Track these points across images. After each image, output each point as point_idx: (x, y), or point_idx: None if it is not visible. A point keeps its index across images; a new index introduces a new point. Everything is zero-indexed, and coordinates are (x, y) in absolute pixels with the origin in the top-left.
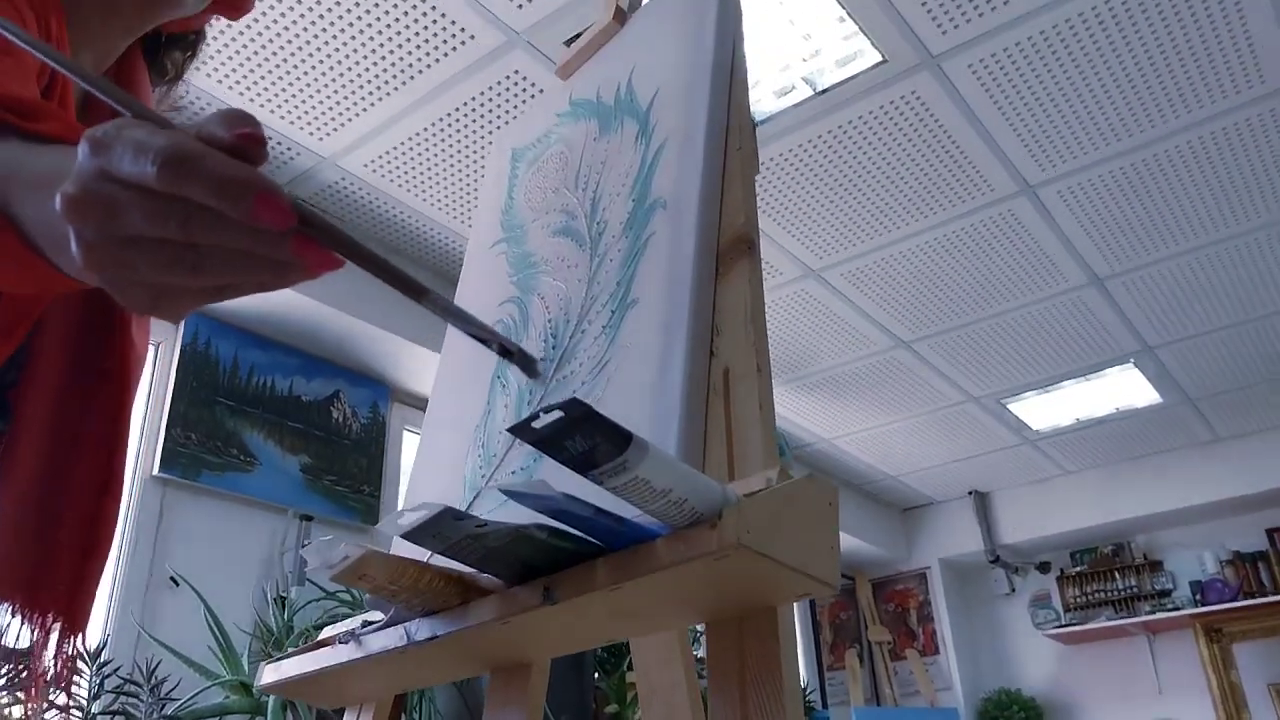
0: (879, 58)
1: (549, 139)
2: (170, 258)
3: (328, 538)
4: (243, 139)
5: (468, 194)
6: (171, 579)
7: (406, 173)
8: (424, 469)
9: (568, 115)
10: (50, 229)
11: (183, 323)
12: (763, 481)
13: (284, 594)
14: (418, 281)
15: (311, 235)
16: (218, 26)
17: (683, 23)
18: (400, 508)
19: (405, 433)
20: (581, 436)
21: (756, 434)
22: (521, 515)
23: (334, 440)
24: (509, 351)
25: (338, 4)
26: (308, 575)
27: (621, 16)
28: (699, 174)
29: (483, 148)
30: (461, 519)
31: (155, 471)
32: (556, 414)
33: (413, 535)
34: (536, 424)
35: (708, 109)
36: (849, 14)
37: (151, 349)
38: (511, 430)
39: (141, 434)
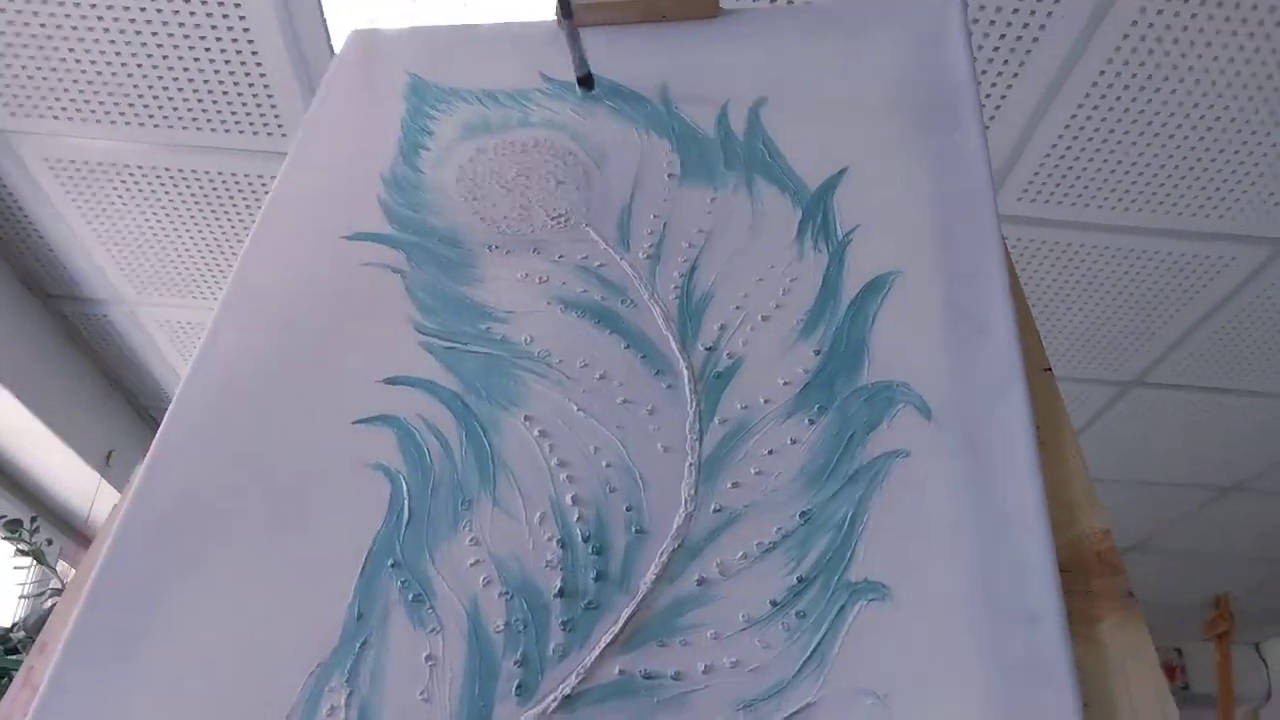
0: None
1: (527, 110)
2: None
3: None
4: None
5: (161, 274)
6: None
7: (95, 198)
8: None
9: (585, 97)
10: None
11: None
12: None
13: None
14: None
15: None
16: None
17: (904, 74)
18: None
19: None
20: None
21: None
22: None
23: None
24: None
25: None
26: None
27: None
28: (1017, 379)
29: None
30: None
31: None
32: None
33: None
34: None
35: (1000, 269)
36: None
37: None
38: None
39: None
